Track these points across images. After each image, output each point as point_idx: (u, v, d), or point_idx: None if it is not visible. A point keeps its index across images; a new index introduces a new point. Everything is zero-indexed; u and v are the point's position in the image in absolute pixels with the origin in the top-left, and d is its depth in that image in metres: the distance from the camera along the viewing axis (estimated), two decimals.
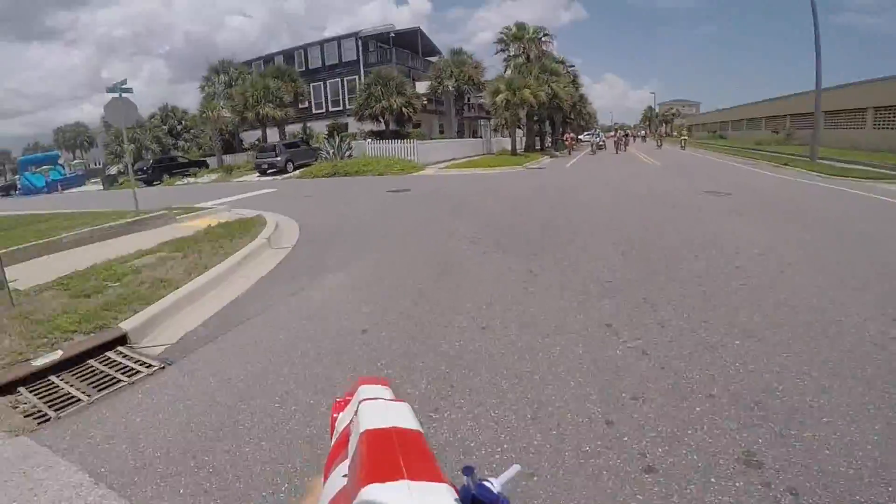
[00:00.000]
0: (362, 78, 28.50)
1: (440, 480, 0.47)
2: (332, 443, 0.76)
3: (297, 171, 21.92)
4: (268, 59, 34.28)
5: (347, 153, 22.79)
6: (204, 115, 27.34)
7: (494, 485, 0.55)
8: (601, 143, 31.23)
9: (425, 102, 32.03)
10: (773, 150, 28.67)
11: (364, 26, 31.29)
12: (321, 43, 32.90)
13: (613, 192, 11.31)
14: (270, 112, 25.57)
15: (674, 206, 8.92)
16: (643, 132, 70.06)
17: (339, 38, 31.98)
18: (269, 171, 22.27)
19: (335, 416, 0.82)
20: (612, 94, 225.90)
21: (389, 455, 0.52)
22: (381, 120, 26.14)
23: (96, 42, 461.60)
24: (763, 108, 47.76)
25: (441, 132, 33.25)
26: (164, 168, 27.21)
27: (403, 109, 25.17)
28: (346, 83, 31.07)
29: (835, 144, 30.07)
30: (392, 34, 30.04)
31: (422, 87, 29.21)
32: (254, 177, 22.73)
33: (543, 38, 28.42)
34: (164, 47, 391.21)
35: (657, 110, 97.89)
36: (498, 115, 24.66)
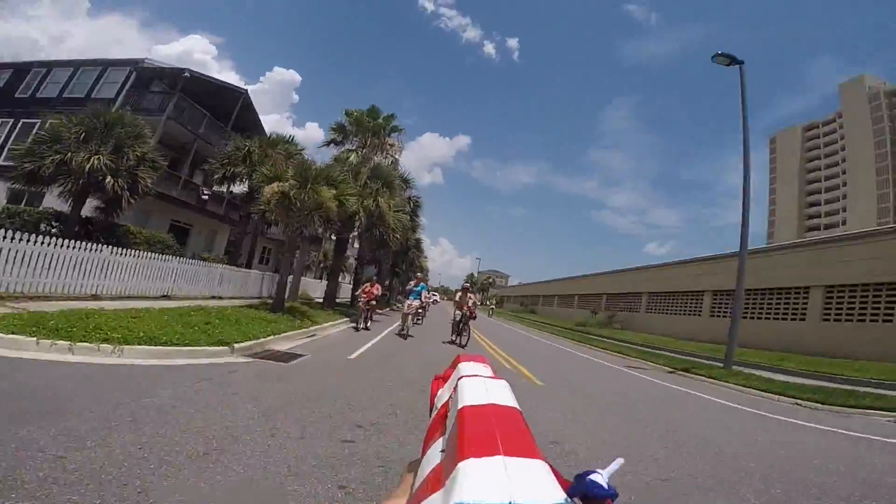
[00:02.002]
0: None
1: (535, 456, 0.49)
2: (431, 418, 0.81)
3: None
4: None
5: None
6: None
7: (603, 476, 0.55)
8: (425, 305, 19.14)
9: (205, 194, 20.58)
10: (607, 336, 24.95)
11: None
12: (74, 64, 20.06)
13: None
14: None
15: None
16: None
17: (107, 63, 19.72)
18: None
19: (435, 392, 0.89)
20: (442, 259, 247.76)
21: (486, 431, 0.55)
22: (68, 190, 12.94)
23: None
24: (576, 285, 48.45)
25: (231, 252, 21.24)
26: None
27: (124, 175, 12.96)
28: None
29: (666, 331, 27.28)
30: (186, 74, 19.21)
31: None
32: None
33: (392, 134, 21.26)
34: None
35: (476, 276, 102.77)
36: (279, 219, 14.32)
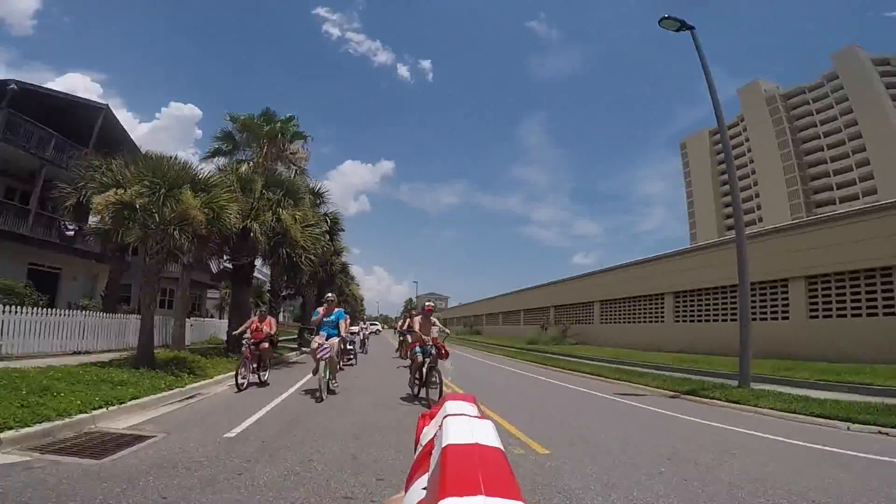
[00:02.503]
0: None
1: (516, 498, 0.48)
2: (415, 454, 0.81)
3: None
4: None
5: None
6: None
7: None
8: (351, 340, 14.60)
9: (69, 229, 15.81)
10: (566, 353, 21.69)
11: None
12: None
13: None
14: None
15: None
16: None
17: None
18: None
19: (421, 428, 0.88)
20: (378, 288, 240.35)
21: (469, 470, 0.54)
22: None
23: None
24: (520, 299, 45.10)
25: (107, 296, 16.18)
26: None
27: None
28: None
29: (626, 343, 24.60)
30: (13, 86, 14.47)
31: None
32: None
33: (292, 139, 17.36)
34: None
35: (415, 301, 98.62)
36: (125, 239, 10.03)
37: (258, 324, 9.38)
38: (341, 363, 12.01)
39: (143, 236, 9.92)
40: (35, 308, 11.13)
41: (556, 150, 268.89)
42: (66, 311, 12.17)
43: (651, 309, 25.37)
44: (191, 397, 7.90)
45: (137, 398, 6.77)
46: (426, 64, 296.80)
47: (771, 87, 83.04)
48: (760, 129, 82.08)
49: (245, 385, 8.53)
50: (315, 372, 8.33)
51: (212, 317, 28.54)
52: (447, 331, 9.29)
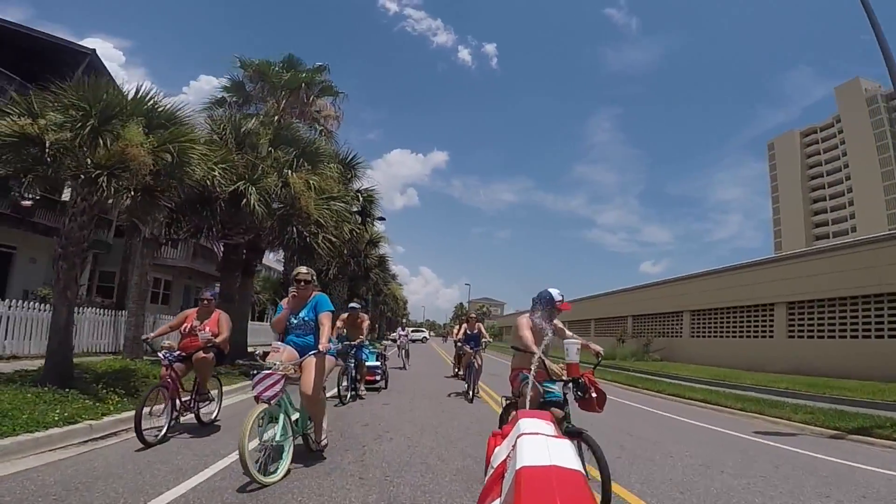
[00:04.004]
0: None
1: None
2: (487, 478, 0.83)
3: None
4: None
5: None
6: None
7: None
8: (385, 354, 10.86)
9: (26, 198, 13.27)
10: (654, 372, 17.12)
11: None
12: None
13: None
14: None
15: None
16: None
17: None
18: None
19: (491, 449, 0.87)
20: (425, 291, 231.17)
21: (546, 495, 0.51)
22: None
23: None
24: (591, 307, 39.07)
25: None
26: None
27: None
28: None
29: (723, 360, 20.29)
30: None
31: None
32: None
33: (320, 94, 13.80)
34: None
35: (467, 307, 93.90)
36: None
37: (194, 322, 5.26)
38: (358, 388, 8.18)
39: (49, 183, 6.54)
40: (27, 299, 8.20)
41: (625, 148, 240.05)
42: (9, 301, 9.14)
43: (757, 321, 20.72)
44: (105, 436, 4.73)
45: None
46: (490, 48, 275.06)
47: (873, 87, 72.21)
48: (858, 130, 71.75)
49: (161, 435, 4.60)
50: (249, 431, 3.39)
51: None
52: (488, 338, 9.82)
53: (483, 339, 9.93)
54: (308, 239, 11.17)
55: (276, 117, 12.32)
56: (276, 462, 3.67)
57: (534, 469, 0.64)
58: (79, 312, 11.06)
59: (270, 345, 4.31)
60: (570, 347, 3.41)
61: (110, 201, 6.96)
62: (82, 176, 6.36)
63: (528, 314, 3.93)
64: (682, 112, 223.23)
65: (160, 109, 7.07)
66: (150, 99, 7.03)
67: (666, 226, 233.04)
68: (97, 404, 5.38)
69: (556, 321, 3.92)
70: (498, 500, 0.72)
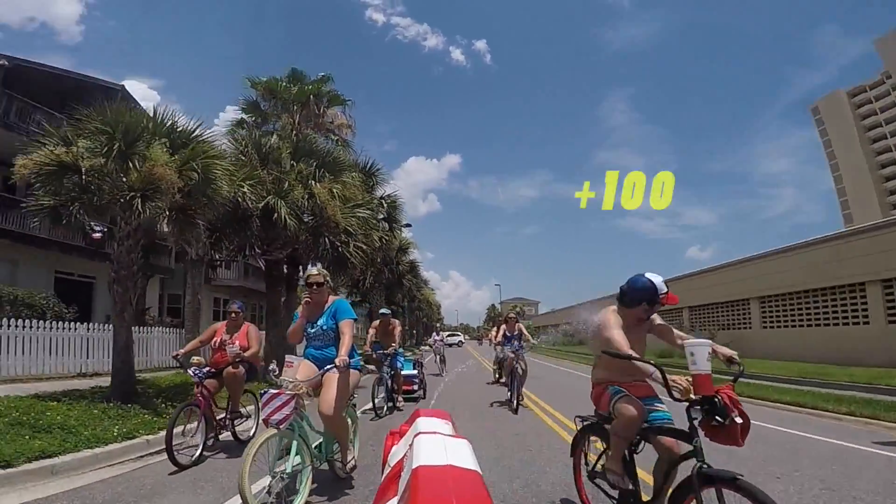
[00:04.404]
0: None
1: None
2: (383, 476, 0.81)
3: None
4: None
5: None
6: None
7: None
8: (421, 361, 10.55)
9: (96, 230, 14.10)
10: (723, 370, 15.54)
11: None
12: None
13: None
14: None
15: None
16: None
17: None
18: None
19: (389, 448, 0.87)
20: (456, 294, 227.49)
21: (442, 495, 0.51)
22: None
23: None
24: None
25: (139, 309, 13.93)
26: None
27: None
28: None
29: (804, 353, 18.03)
30: (4, 63, 12.72)
31: None
32: None
33: (329, 104, 14.01)
34: None
35: (499, 308, 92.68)
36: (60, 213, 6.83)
37: (223, 336, 5.12)
38: (395, 399, 7.81)
39: (96, 210, 6.83)
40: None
41: (647, 128, 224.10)
42: (70, 324, 10.14)
43: (845, 305, 17.85)
44: (161, 450, 4.49)
45: (50, 456, 4.00)
46: (480, 45, 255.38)
47: None
48: None
49: (197, 455, 4.50)
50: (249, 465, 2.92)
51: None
52: (531, 340, 8.96)
53: (526, 343, 9.08)
54: (340, 248, 11.27)
55: (293, 131, 12.58)
56: (293, 496, 3.16)
57: (430, 468, 0.62)
58: (148, 332, 11.96)
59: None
60: (698, 352, 2.30)
61: (152, 224, 7.20)
62: (120, 200, 6.61)
63: (613, 309, 2.99)
64: (702, 84, 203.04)
65: (179, 129, 7.29)
66: (169, 119, 7.29)
67: (709, 206, 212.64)
68: (155, 419, 5.55)
69: (656, 317, 3.03)
70: (394, 499, 0.68)
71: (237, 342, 5.01)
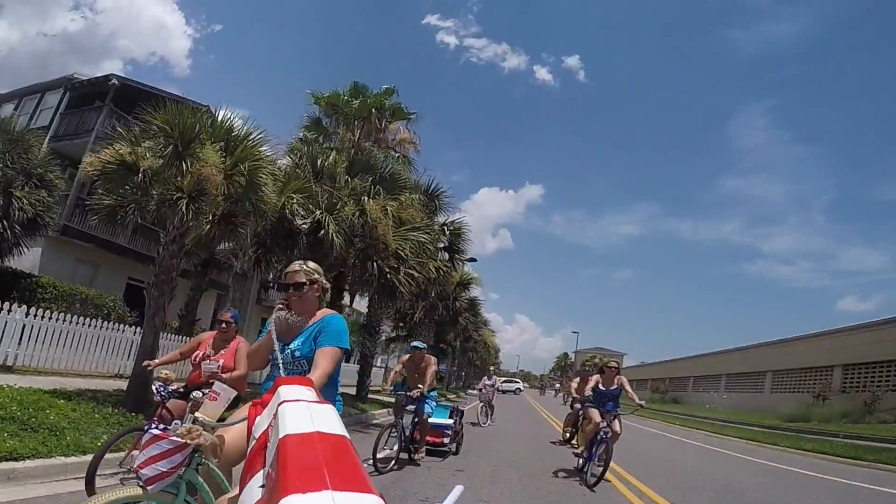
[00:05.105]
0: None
1: (368, 491, 0.46)
2: (248, 449, 0.82)
3: None
4: None
5: None
6: None
7: None
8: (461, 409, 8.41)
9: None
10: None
11: None
12: (16, 95, 16.95)
13: None
14: None
15: None
16: (557, 385, 55.69)
17: (44, 88, 16.23)
18: None
19: (252, 419, 0.92)
20: (521, 340, 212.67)
21: (312, 462, 0.48)
22: None
23: None
24: (764, 356, 32.18)
25: (184, 317, 14.49)
26: None
27: None
28: None
29: None
30: (114, 81, 14.36)
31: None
32: None
33: (392, 118, 13.83)
34: None
35: (573, 359, 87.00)
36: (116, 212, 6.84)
37: (207, 350, 4.08)
38: (416, 452, 6.41)
39: (149, 212, 6.87)
40: (75, 317, 9.27)
41: (793, 147, 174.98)
42: (119, 325, 10.44)
43: None
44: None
45: (17, 459, 3.61)
46: (572, 61, 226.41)
47: None
48: None
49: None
50: None
51: None
52: (638, 399, 6.99)
53: (636, 402, 7.05)
54: (388, 275, 10.70)
55: (352, 147, 12.53)
56: None
57: (297, 436, 0.59)
58: (182, 340, 11.86)
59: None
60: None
61: (198, 231, 7.13)
62: (168, 202, 6.59)
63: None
64: (869, 87, 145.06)
65: (234, 133, 7.28)
66: (227, 122, 7.33)
67: (875, 245, 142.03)
68: None
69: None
70: (261, 471, 0.68)
71: (220, 360, 3.96)
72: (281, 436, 0.61)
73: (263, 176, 7.00)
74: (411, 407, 6.20)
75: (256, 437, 0.83)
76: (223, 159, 6.85)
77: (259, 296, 19.50)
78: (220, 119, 7.30)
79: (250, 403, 1.98)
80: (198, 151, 6.78)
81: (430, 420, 6.63)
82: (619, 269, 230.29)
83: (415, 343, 6.97)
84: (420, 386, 6.24)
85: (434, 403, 6.89)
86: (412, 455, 6.29)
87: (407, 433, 6.09)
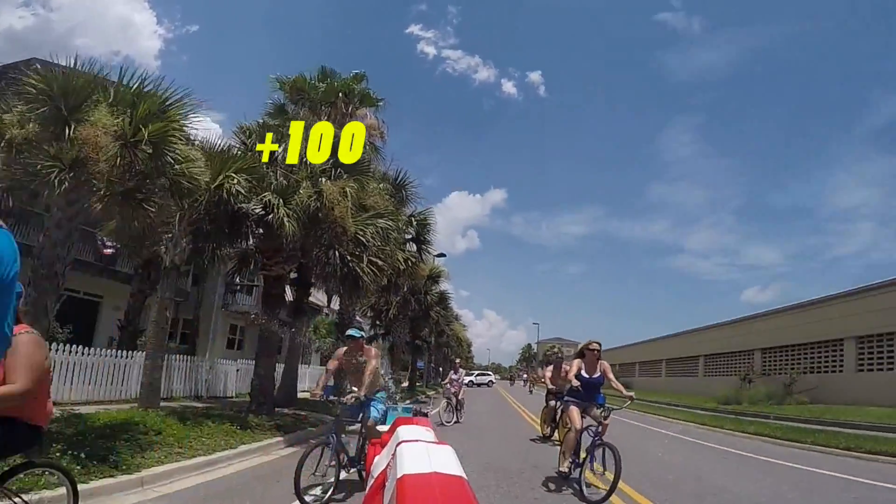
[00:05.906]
0: None
1: None
2: (367, 488, 0.80)
3: None
4: None
5: None
6: None
7: None
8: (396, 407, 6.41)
9: (108, 246, 13.48)
10: (815, 419, 12.98)
11: None
12: None
13: None
14: None
15: None
16: (525, 375, 55.70)
17: None
18: None
19: (371, 459, 1.04)
20: (490, 334, 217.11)
21: (429, 503, 0.39)
22: None
23: None
24: (696, 342, 33.54)
25: (125, 328, 12.34)
26: None
27: None
28: None
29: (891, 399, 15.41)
30: (36, 66, 11.41)
31: None
32: None
33: (360, 103, 12.39)
34: None
35: (535, 349, 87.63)
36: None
37: None
38: (358, 465, 4.64)
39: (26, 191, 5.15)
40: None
41: (712, 160, 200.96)
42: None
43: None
44: None
45: None
46: (535, 76, 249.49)
47: None
48: None
49: None
50: None
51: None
52: (625, 390, 5.72)
53: (625, 394, 5.64)
54: (350, 263, 9.28)
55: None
56: None
57: (415, 476, 0.67)
58: (130, 357, 10.05)
59: None
60: None
61: (80, 209, 5.36)
62: (40, 176, 4.87)
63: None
64: (778, 111, 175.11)
65: (149, 93, 5.56)
66: (139, 82, 5.60)
67: (774, 244, 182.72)
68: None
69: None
70: None
71: None
72: (399, 475, 0.68)
73: (176, 144, 5.36)
74: (351, 417, 4.71)
75: (375, 475, 0.73)
76: (123, 122, 5.19)
77: (225, 300, 17.66)
78: (127, 81, 5.58)
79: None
80: (89, 116, 5.10)
81: (378, 426, 4.72)
82: (570, 265, 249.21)
83: (350, 331, 5.15)
84: (354, 388, 4.68)
85: (382, 406, 5.08)
86: (356, 466, 4.62)
87: (352, 453, 4.60)
